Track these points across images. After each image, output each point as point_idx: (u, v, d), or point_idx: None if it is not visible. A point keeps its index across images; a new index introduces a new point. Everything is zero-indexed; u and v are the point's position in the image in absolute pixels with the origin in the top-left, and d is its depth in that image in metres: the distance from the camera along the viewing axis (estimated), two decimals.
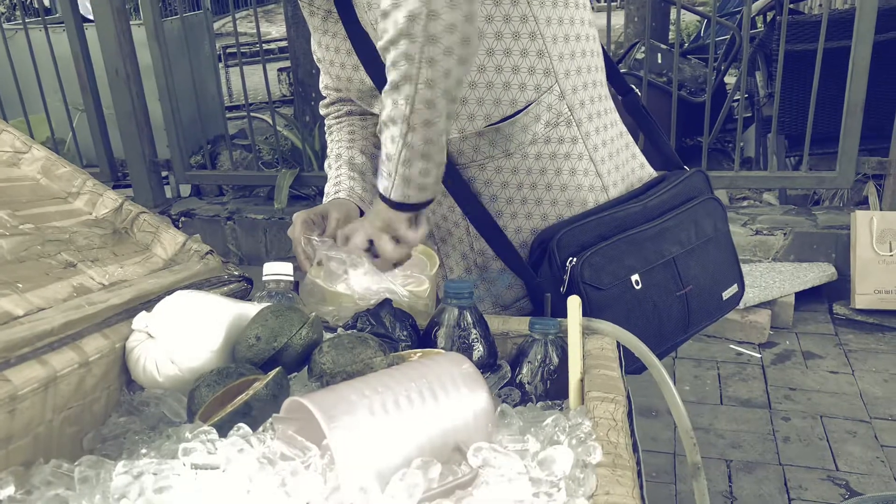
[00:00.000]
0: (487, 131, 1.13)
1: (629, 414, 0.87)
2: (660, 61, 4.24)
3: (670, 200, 1.24)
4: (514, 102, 1.11)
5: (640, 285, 1.16)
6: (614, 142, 1.23)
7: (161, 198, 4.16)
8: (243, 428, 0.70)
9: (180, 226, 3.89)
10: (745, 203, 3.64)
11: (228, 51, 8.45)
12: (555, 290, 1.13)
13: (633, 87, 1.37)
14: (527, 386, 1.05)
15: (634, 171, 1.28)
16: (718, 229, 1.29)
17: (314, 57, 1.32)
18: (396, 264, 1.13)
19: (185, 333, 0.91)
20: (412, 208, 1.06)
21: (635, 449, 0.79)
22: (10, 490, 0.70)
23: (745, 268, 3.15)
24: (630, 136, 1.29)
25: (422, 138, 0.99)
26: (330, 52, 1.22)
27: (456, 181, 1.17)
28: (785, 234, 3.22)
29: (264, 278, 1.12)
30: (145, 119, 4.01)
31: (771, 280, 3.05)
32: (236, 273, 1.25)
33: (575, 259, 1.11)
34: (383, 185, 1.05)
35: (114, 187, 3.95)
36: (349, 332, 0.96)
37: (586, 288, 1.11)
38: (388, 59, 0.97)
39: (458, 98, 1.00)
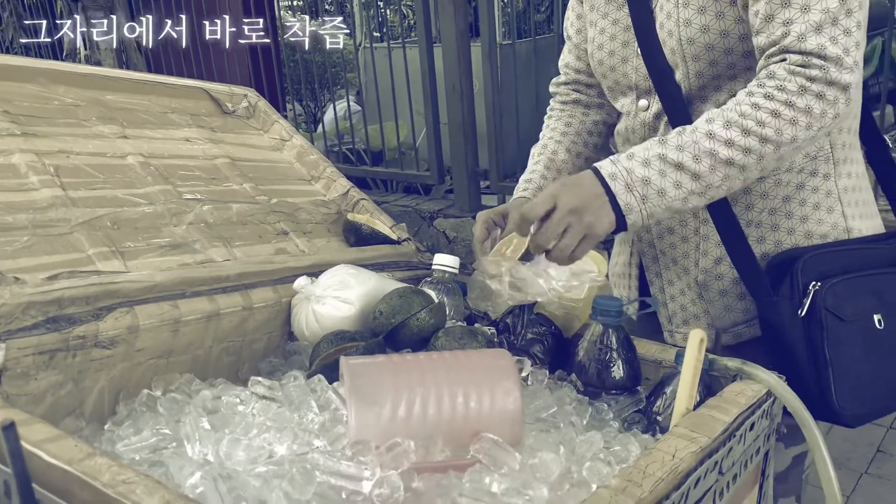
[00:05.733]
0: None
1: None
2: None
3: None
4: None
5: (882, 325, 1.09)
6: (863, 191, 1.19)
7: (476, 203, 4.50)
8: (299, 377, 0.81)
9: None
10: None
11: None
12: (791, 312, 1.10)
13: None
14: (659, 418, 1.00)
15: (875, 221, 1.21)
16: None
17: (565, 34, 1.36)
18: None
19: (331, 300, 1.06)
20: (620, 223, 1.01)
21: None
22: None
23: None
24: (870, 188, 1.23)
25: (734, 165, 0.98)
26: (604, 35, 1.24)
27: None
28: None
29: (433, 267, 1.22)
30: (472, 132, 4.39)
31: None
32: (425, 262, 1.38)
33: (820, 283, 1.08)
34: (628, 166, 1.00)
35: (446, 193, 4.47)
36: (461, 324, 1.02)
37: (827, 315, 1.07)
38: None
39: (784, 161, 1.03)
